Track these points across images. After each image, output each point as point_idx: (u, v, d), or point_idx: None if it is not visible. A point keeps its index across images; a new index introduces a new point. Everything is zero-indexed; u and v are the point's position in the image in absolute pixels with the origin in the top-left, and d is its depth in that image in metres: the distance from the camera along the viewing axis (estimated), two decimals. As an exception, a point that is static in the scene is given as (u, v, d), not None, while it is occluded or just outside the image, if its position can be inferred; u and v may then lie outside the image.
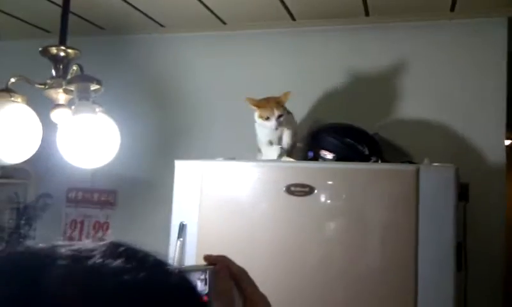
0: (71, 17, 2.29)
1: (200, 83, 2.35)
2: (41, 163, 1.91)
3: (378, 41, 2.14)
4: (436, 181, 1.31)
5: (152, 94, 2.44)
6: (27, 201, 2.32)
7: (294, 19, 2.20)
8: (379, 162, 1.64)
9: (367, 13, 2.09)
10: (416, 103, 2.04)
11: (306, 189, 1.38)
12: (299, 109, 2.13)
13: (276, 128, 1.64)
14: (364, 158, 1.66)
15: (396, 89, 2.09)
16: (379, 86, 2.10)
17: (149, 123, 2.41)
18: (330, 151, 1.68)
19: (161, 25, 2.37)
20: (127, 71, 2.46)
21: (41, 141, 1.20)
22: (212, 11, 2.16)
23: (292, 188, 1.39)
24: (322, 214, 1.39)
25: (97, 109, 1.27)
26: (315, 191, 1.38)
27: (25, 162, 1.21)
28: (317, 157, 1.70)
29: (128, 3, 2.10)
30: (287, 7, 2.09)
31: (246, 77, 2.27)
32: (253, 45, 2.29)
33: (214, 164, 1.52)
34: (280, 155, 1.64)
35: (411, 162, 1.60)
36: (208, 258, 0.69)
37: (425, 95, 2.04)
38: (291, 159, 1.65)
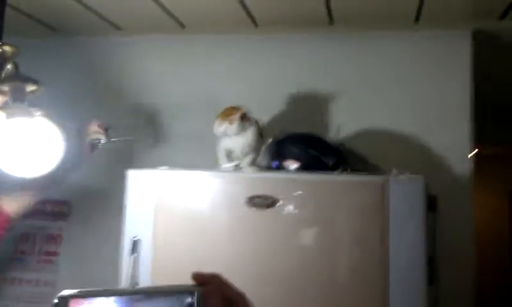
0: (20, 17, 2.17)
1: (158, 89, 2.24)
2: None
3: (343, 51, 2.10)
4: (404, 192, 1.25)
5: (106, 100, 2.31)
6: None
7: (256, 25, 2.13)
8: (346, 172, 1.57)
9: (331, 22, 2.04)
10: (381, 114, 2.00)
11: (269, 201, 1.29)
12: (262, 117, 2.05)
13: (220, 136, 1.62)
14: (330, 170, 1.59)
15: (360, 99, 2.05)
16: (344, 96, 2.05)
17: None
18: (295, 161, 1.60)
19: (117, 28, 2.25)
20: (79, 74, 2.32)
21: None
22: (170, 14, 2.05)
23: (254, 200, 1.30)
24: (285, 227, 1.30)
25: (37, 113, 1.15)
26: (279, 203, 1.29)
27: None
28: (280, 168, 1.62)
29: (81, 3, 1.97)
30: (249, 12, 2.01)
31: (206, 83, 2.18)
32: (213, 50, 2.21)
33: (169, 173, 1.42)
34: (237, 166, 1.56)
35: (378, 174, 1.54)
36: (197, 277, 0.55)
37: (391, 106, 2.00)
38: (253, 168, 1.56)
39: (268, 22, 2.10)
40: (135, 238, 1.36)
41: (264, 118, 2.07)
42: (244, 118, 1.62)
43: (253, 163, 1.66)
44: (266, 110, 2.06)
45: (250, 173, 1.47)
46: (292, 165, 1.60)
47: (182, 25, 2.17)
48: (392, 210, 1.23)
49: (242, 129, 1.61)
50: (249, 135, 1.63)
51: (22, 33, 2.29)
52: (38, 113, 1.16)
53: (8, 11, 2.08)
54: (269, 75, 2.14)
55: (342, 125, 1.99)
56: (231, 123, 1.59)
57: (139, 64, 2.27)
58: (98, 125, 1.60)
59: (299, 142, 1.64)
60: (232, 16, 2.02)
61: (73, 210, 2.23)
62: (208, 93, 2.18)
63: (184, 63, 2.24)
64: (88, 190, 2.21)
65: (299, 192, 1.31)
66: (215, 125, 1.62)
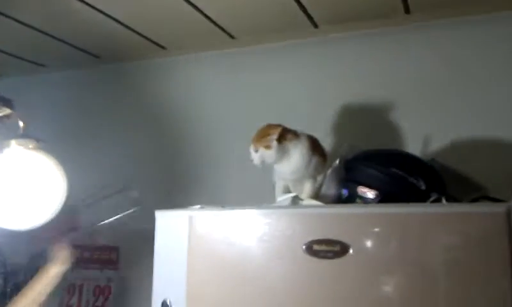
0: (63, 47, 2.02)
1: (208, 111, 1.96)
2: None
3: (422, 43, 1.69)
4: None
5: (154, 130, 2.07)
6: (17, 262, 1.94)
7: (316, 26, 1.78)
8: (443, 199, 1.15)
9: (406, 10, 1.65)
10: (474, 119, 1.57)
11: (336, 248, 0.92)
12: (328, 133, 1.70)
13: (259, 165, 1.28)
14: (421, 196, 1.18)
15: (451, 102, 1.62)
16: (428, 100, 1.64)
17: (151, 164, 2.04)
18: (371, 187, 1.21)
19: (162, 47, 2.01)
20: (125, 103, 2.12)
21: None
22: (217, 24, 1.78)
23: (316, 247, 0.93)
24: (359, 285, 0.91)
25: (30, 145, 0.88)
26: (350, 250, 0.91)
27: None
28: (353, 197, 1.24)
29: (124, 25, 1.76)
30: (306, 12, 1.68)
31: (262, 98, 1.87)
32: (267, 60, 1.90)
33: (203, 214, 1.08)
34: (295, 200, 1.20)
35: (491, 198, 1.11)
36: None
37: (485, 108, 1.56)
38: (315, 202, 1.20)
39: (329, 21, 1.75)
40: (166, 302, 1.04)
41: (332, 132, 1.72)
42: (284, 137, 1.27)
43: (315, 193, 1.29)
44: (333, 123, 1.71)
45: (308, 208, 1.10)
46: (369, 192, 1.21)
47: (231, 36, 1.89)
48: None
49: (284, 152, 1.26)
50: (295, 158, 1.27)
51: (68, 64, 2.15)
52: (32, 146, 0.89)
53: (53, 43, 1.95)
54: (335, 81, 1.78)
55: (431, 136, 1.57)
56: (267, 147, 1.25)
57: (186, 84, 2.03)
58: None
59: (377, 161, 1.25)
60: (286, 19, 1.73)
61: (121, 257, 1.98)
62: (267, 110, 1.86)
63: (236, 78, 1.95)
64: (137, 233, 1.96)
65: (379, 233, 0.92)
66: (251, 153, 1.29)
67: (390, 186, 1.21)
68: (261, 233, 1.00)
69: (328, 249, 0.92)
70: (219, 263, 1.03)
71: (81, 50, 2.06)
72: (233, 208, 1.07)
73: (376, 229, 0.92)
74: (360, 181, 1.23)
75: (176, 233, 1.07)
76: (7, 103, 0.88)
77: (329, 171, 1.31)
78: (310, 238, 0.94)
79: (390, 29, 1.74)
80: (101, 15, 1.68)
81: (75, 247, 1.49)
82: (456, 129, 1.60)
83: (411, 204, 1.05)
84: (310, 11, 1.67)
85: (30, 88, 2.27)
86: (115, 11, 1.67)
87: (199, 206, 1.13)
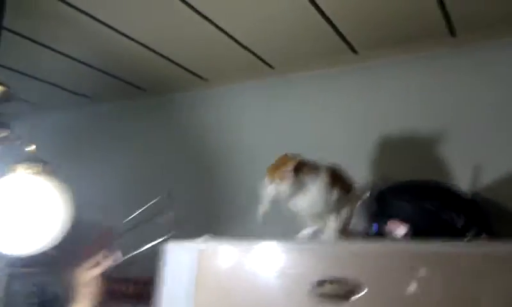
0: (112, 81, 2.09)
1: (248, 141, 1.93)
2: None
3: (470, 67, 1.57)
4: None
5: (194, 160, 2.06)
6: (51, 294, 1.96)
7: (355, 51, 1.71)
8: (483, 237, 1.03)
9: (452, 32, 1.54)
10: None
11: (344, 288, 0.83)
12: (368, 165, 1.60)
13: (273, 198, 1.18)
14: (457, 233, 1.06)
15: (504, 130, 1.48)
16: (479, 128, 1.51)
17: (189, 193, 2.02)
18: (402, 222, 1.10)
19: (203, 79, 2.02)
20: (168, 134, 2.14)
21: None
22: (255, 55, 1.76)
23: (322, 288, 0.85)
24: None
25: (35, 169, 0.88)
26: (364, 290, 0.82)
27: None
28: (382, 232, 1.14)
29: (168, 59, 1.80)
30: (343, 37, 1.62)
31: (301, 128, 1.81)
32: (306, 88, 1.84)
33: (213, 247, 1.03)
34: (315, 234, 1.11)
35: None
36: None
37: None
38: (334, 237, 1.10)
39: (369, 46, 1.67)
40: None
41: (373, 162, 1.62)
42: (301, 169, 1.17)
43: (342, 228, 1.19)
44: (369, 156, 1.61)
45: (322, 244, 1.01)
46: (399, 228, 1.10)
47: (270, 66, 1.86)
48: None
49: (300, 186, 1.16)
50: (313, 193, 1.16)
51: (115, 96, 2.21)
52: (36, 169, 0.89)
53: (101, 77, 2.02)
54: (376, 108, 1.69)
55: (472, 167, 1.43)
56: (282, 180, 1.16)
57: (227, 112, 2.02)
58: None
59: (410, 194, 1.14)
60: (324, 46, 1.67)
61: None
62: (309, 139, 1.80)
63: (277, 108, 1.91)
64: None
65: (396, 269, 0.82)
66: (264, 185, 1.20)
67: (423, 221, 1.09)
68: (270, 268, 0.93)
69: (337, 288, 0.83)
70: (226, 297, 0.97)
71: (127, 83, 2.11)
72: (241, 240, 1.01)
73: (394, 267, 0.82)
74: (390, 215, 1.13)
75: (184, 265, 1.03)
76: (5, 125, 0.89)
77: (358, 205, 1.22)
78: (320, 277, 0.86)
79: (434, 53, 1.63)
80: (143, 48, 1.71)
81: (106, 278, 1.44)
82: (499, 162, 1.45)
83: (445, 241, 0.94)
84: (347, 36, 1.61)
85: (78, 119, 2.36)
86: (157, 44, 1.70)
87: (207, 236, 1.08)
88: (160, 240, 1.33)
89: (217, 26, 1.54)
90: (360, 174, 1.53)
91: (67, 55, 1.84)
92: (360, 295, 0.82)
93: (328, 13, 1.43)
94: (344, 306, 0.83)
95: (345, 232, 1.20)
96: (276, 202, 1.18)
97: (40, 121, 2.48)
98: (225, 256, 1.00)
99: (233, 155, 1.94)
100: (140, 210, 1.23)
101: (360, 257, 0.88)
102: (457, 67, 1.59)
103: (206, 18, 1.49)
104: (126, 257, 1.19)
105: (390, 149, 1.61)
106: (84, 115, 2.40)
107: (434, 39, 1.59)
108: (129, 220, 1.27)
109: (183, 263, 1.03)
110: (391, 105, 1.66)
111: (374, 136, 1.63)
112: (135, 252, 1.44)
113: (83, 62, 1.90)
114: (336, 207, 1.18)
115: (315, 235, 1.14)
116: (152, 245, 1.44)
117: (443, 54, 1.62)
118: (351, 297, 0.83)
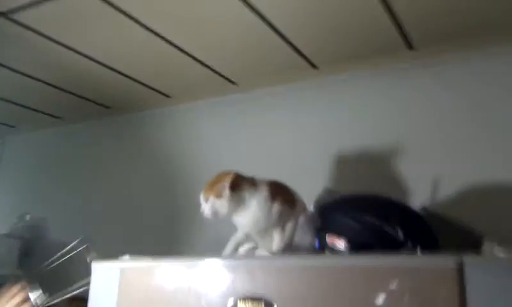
0: (78, 102, 2.08)
1: (209, 157, 1.90)
2: None
3: (429, 81, 1.55)
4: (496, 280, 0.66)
5: (160, 177, 2.04)
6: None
7: (314, 67, 1.70)
8: (417, 250, 0.99)
9: (409, 46, 1.53)
10: (494, 163, 1.38)
11: (261, 305, 0.79)
12: (328, 180, 1.58)
13: (211, 217, 1.13)
14: (398, 246, 1.03)
15: (464, 143, 1.45)
16: (438, 142, 1.48)
17: (155, 212, 1.99)
18: (341, 236, 1.07)
19: (167, 96, 2.01)
20: (131, 152, 2.13)
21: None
22: (216, 72, 1.75)
23: (240, 305, 0.81)
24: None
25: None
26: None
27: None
28: (323, 247, 1.10)
29: (130, 78, 1.81)
30: (302, 54, 1.61)
31: (262, 143, 1.79)
32: (268, 104, 1.83)
33: (134, 266, 0.99)
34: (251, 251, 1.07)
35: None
36: None
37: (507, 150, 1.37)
38: (265, 253, 1.07)
39: (328, 61, 1.66)
40: None
41: (329, 181, 1.59)
42: (239, 185, 1.13)
43: (286, 244, 1.16)
44: (329, 170, 1.58)
45: (243, 259, 0.97)
46: (338, 242, 1.07)
47: (232, 83, 1.85)
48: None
49: (239, 202, 1.12)
50: (253, 209, 1.12)
51: (84, 116, 2.21)
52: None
53: (66, 97, 2.01)
54: (333, 123, 1.67)
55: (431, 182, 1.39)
56: (219, 197, 1.12)
57: (189, 129, 2.00)
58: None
59: (351, 208, 1.11)
60: (283, 61, 1.66)
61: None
62: (274, 154, 1.78)
63: (239, 124, 1.89)
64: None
65: (309, 285, 0.78)
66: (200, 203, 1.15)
67: (363, 235, 1.06)
68: (188, 286, 0.89)
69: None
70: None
71: (93, 102, 2.10)
72: (162, 259, 0.97)
73: (305, 284, 0.78)
74: (330, 230, 1.09)
75: (108, 284, 0.99)
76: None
77: (301, 220, 1.18)
78: (237, 294, 0.82)
79: (393, 67, 1.61)
80: (104, 68, 1.72)
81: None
82: (469, 174, 1.42)
83: (343, 256, 0.90)
84: (304, 51, 1.60)
85: (50, 139, 2.34)
86: (116, 63, 1.70)
87: (127, 256, 1.04)
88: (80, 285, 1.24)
89: (175, 45, 1.54)
90: (317, 190, 1.50)
91: (34, 77, 1.84)
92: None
93: (281, 30, 1.43)
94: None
95: (290, 247, 1.17)
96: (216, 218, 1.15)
97: (10, 140, 2.47)
98: (146, 274, 0.97)
99: (194, 172, 1.91)
100: (59, 254, 1.18)
101: (270, 273, 0.83)
102: (415, 80, 1.57)
103: (163, 38, 1.49)
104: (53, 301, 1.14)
105: (346, 164, 1.58)
106: (59, 135, 2.39)
107: (393, 53, 1.57)
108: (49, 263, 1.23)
109: (106, 281, 0.99)
110: (349, 120, 1.64)
111: (331, 151, 1.60)
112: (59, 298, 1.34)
113: (48, 83, 1.90)
114: (280, 221, 1.14)
115: (251, 252, 1.10)
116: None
117: (402, 67, 1.60)
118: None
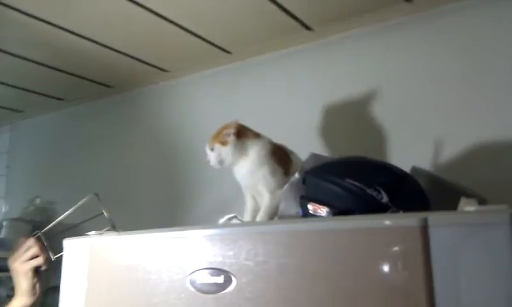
0: (79, 82, 2.07)
1: (208, 128, 1.86)
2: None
3: (428, 35, 1.45)
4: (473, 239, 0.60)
5: (161, 151, 2.03)
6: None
7: (308, 28, 1.62)
8: (400, 212, 0.93)
9: (408, -1, 1.43)
10: (502, 120, 1.29)
11: (219, 278, 0.74)
12: (327, 143, 1.52)
13: (217, 165, 1.18)
14: (382, 210, 0.96)
15: (464, 100, 1.36)
16: (437, 99, 1.40)
17: (156, 183, 1.98)
18: (323, 203, 1.01)
19: (165, 71, 1.98)
20: (138, 129, 2.11)
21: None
22: (210, 42, 1.71)
23: (195, 279, 0.77)
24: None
25: None
26: (233, 283, 0.74)
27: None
28: (306, 216, 1.04)
29: (127, 55, 1.81)
30: (294, 16, 1.54)
31: (261, 111, 1.74)
32: (264, 71, 1.77)
33: (103, 241, 0.97)
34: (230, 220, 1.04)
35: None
36: None
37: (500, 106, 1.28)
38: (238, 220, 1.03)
39: (322, 22, 1.58)
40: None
41: (327, 145, 1.53)
42: (243, 133, 1.16)
43: (273, 212, 1.12)
44: (328, 133, 1.52)
45: (218, 228, 0.92)
46: (320, 209, 1.01)
47: (227, 52, 1.80)
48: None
49: (242, 150, 1.15)
50: (251, 157, 1.14)
51: (86, 97, 2.20)
52: None
53: (67, 78, 2.01)
54: (330, 85, 1.61)
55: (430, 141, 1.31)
56: (224, 143, 1.15)
57: (188, 102, 1.98)
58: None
59: (334, 172, 1.04)
60: (276, 27, 1.61)
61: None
62: (270, 122, 1.73)
63: (236, 94, 1.85)
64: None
65: (268, 253, 0.73)
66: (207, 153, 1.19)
67: (346, 201, 0.99)
68: (153, 260, 0.85)
69: (207, 282, 0.75)
70: (114, 290, 0.90)
71: (94, 82, 2.09)
72: (130, 233, 0.94)
73: (264, 253, 0.73)
74: (311, 197, 1.03)
75: (79, 260, 0.97)
76: None
77: (286, 187, 1.13)
78: (197, 267, 0.78)
79: (390, 23, 1.52)
80: (101, 47, 1.72)
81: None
82: (471, 132, 1.33)
83: (305, 221, 0.84)
84: (296, 13, 1.52)
85: (56, 122, 2.35)
86: (112, 42, 1.70)
87: (95, 232, 1.01)
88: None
89: (166, 19, 1.52)
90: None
91: (34, 61, 1.84)
92: (228, 287, 0.74)
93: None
94: (216, 299, 0.75)
95: (277, 215, 1.13)
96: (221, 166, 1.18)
97: (19, 125, 2.50)
98: (115, 249, 0.94)
99: (196, 144, 1.88)
100: (68, 212, 1.18)
101: (228, 242, 0.78)
102: (413, 36, 1.48)
103: (153, 12, 1.47)
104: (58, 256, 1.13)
105: (344, 126, 1.52)
106: (62, 117, 2.39)
107: (389, 7, 1.49)
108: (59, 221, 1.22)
109: (77, 257, 0.97)
110: (347, 81, 1.57)
111: (333, 113, 1.55)
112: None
113: (50, 66, 1.90)
114: (273, 185, 1.15)
115: (231, 221, 1.06)
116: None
117: (399, 22, 1.51)
118: (222, 289, 0.74)
